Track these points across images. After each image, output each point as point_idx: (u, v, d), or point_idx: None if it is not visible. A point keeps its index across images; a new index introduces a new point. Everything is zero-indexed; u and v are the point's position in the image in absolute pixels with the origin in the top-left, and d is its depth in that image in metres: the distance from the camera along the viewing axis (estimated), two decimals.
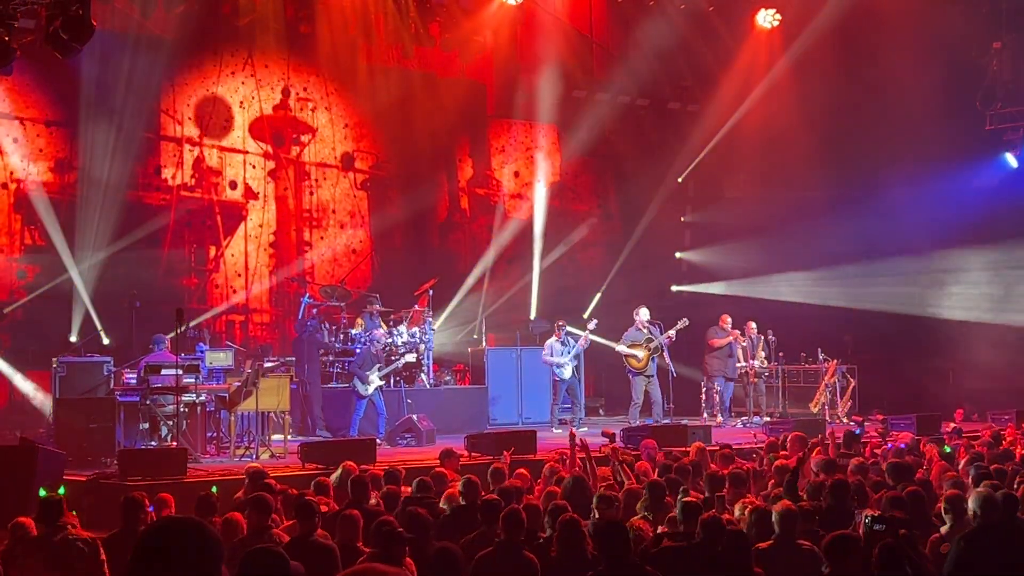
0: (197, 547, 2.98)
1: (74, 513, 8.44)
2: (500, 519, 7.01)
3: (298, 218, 19.62)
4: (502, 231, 21.37)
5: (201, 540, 3.00)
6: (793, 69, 19.94)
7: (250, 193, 19.04)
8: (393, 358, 16.33)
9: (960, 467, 10.29)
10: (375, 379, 15.65)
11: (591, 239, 22.50)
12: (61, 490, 9.25)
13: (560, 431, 16.84)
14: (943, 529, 7.49)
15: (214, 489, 9.05)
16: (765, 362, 18.28)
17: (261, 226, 19.11)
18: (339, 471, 9.82)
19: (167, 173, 18.16)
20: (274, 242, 19.29)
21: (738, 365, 18.21)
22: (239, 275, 18.87)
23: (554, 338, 17.58)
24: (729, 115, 20.77)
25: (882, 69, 19.33)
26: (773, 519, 7.07)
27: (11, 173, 16.76)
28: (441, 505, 8.49)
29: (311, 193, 19.73)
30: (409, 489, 9.06)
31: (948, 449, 11.94)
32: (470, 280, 20.32)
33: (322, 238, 19.83)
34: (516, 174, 22.32)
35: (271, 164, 19.32)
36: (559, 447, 11.97)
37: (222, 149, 18.77)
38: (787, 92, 20.19)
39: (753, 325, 18.35)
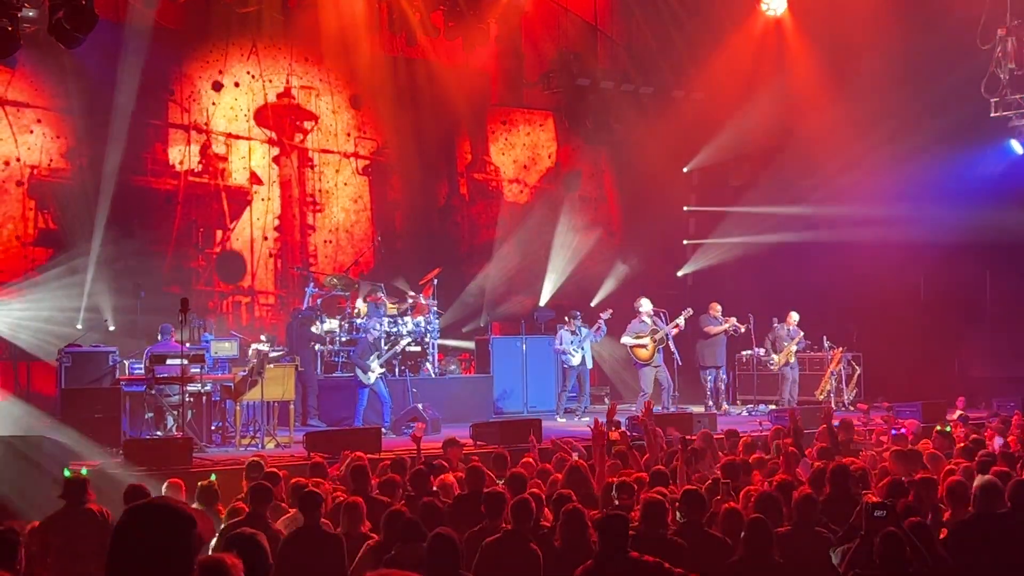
0: (169, 528, 3.09)
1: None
2: (509, 508, 7.02)
3: (302, 203, 19.71)
4: (506, 219, 21.37)
5: (174, 520, 3.10)
6: (795, 58, 19.87)
7: (255, 179, 19.16)
8: (396, 346, 16.34)
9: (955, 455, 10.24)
10: (375, 367, 15.66)
11: (593, 222, 22.46)
12: (84, 471, 9.60)
13: (564, 420, 16.86)
14: (945, 515, 7.53)
15: (212, 477, 9.12)
16: (792, 357, 18.09)
17: (266, 212, 19.24)
18: (347, 461, 9.87)
19: (174, 159, 18.27)
20: (279, 227, 19.41)
21: (743, 353, 18.16)
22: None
23: (565, 328, 17.55)
24: (734, 104, 20.68)
25: (885, 56, 19.24)
26: (793, 504, 7.17)
27: (23, 160, 16.83)
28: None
29: (315, 178, 19.80)
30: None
31: (948, 428, 12.02)
32: (476, 270, 20.32)
33: (329, 237, 19.88)
34: (515, 162, 22.29)
35: (275, 150, 19.43)
36: (563, 436, 12.04)
37: (228, 136, 18.88)
38: (789, 82, 20.12)
39: (795, 315, 18.26)
